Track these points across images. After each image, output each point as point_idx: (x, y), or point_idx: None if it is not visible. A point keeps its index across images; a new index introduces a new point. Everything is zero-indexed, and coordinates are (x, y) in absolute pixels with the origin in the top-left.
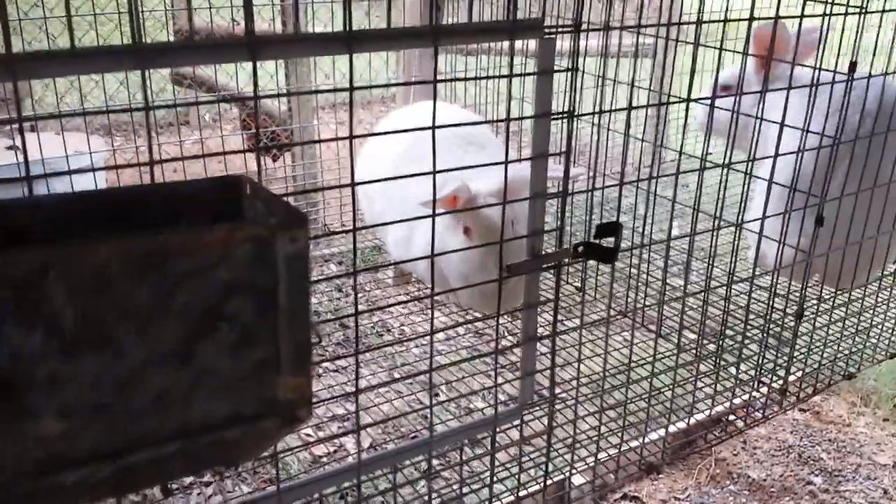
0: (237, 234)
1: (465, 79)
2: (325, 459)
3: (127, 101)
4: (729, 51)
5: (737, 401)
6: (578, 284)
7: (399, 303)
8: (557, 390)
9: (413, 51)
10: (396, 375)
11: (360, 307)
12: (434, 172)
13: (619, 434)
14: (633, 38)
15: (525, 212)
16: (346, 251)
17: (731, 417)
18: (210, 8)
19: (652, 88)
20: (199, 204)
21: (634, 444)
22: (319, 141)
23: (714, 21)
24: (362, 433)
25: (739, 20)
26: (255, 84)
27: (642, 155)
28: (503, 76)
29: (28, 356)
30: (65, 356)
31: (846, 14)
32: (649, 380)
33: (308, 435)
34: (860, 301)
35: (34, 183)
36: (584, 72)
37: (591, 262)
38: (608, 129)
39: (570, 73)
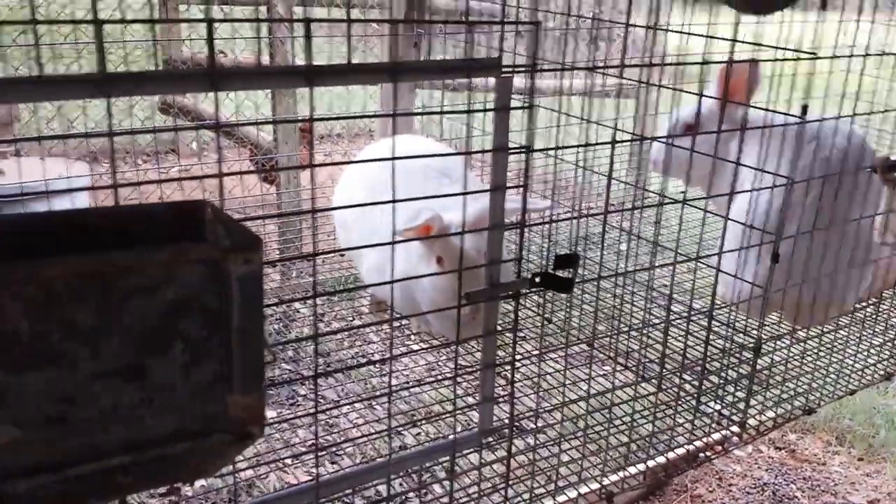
0: (186, 255)
1: (422, 112)
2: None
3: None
4: (686, 91)
5: (699, 433)
6: (548, 316)
7: (368, 324)
8: (524, 418)
9: (390, 87)
10: (374, 404)
11: (341, 336)
12: (394, 201)
13: (580, 463)
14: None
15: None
16: (329, 279)
17: (692, 448)
18: (191, 39)
19: (620, 128)
20: (161, 227)
21: (596, 472)
22: (292, 167)
23: (668, 64)
24: (339, 461)
25: (692, 63)
26: (217, 110)
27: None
28: (462, 111)
29: None
30: (16, 370)
31: (797, 59)
32: (608, 410)
33: (283, 461)
34: (818, 338)
35: (18, 206)
36: (561, 110)
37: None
38: (582, 167)
39: (529, 111)
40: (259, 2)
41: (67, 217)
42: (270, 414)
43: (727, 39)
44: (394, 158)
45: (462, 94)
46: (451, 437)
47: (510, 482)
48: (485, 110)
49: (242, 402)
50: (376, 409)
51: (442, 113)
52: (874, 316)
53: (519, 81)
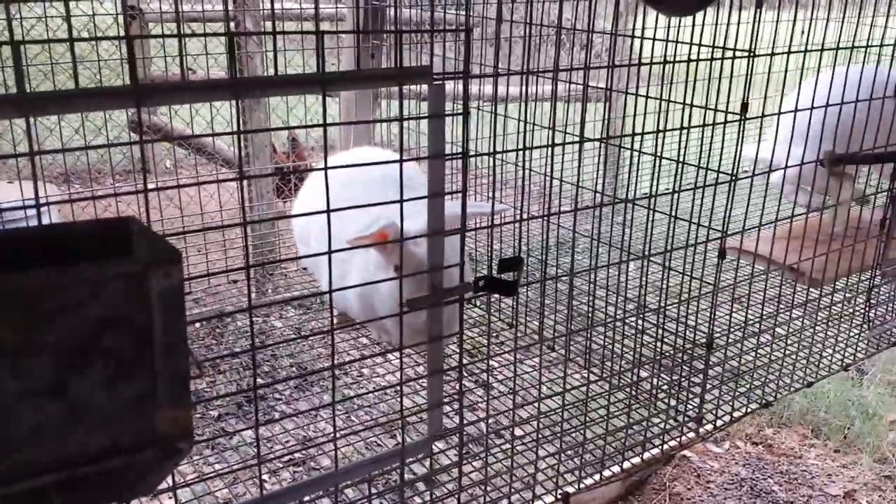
0: (106, 271)
1: (358, 122)
2: None
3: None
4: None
5: (655, 430)
6: (510, 321)
7: (304, 336)
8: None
9: (351, 99)
10: (353, 417)
11: (320, 350)
12: (328, 211)
13: (535, 464)
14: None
15: (453, 249)
16: (306, 293)
17: (650, 446)
18: (165, 56)
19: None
20: (91, 244)
21: (550, 472)
22: (216, 181)
23: (624, 65)
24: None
25: (627, 65)
26: (140, 128)
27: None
28: (394, 119)
29: None
30: None
31: (733, 58)
32: (560, 410)
33: (253, 477)
34: (771, 331)
35: None
36: (505, 116)
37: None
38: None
39: (463, 118)
40: (228, 19)
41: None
42: (248, 433)
43: (685, 43)
44: (325, 168)
45: (421, 102)
46: (398, 445)
47: (463, 488)
48: (418, 117)
49: (170, 417)
50: (353, 418)
51: (377, 121)
52: (828, 307)
53: (489, 89)
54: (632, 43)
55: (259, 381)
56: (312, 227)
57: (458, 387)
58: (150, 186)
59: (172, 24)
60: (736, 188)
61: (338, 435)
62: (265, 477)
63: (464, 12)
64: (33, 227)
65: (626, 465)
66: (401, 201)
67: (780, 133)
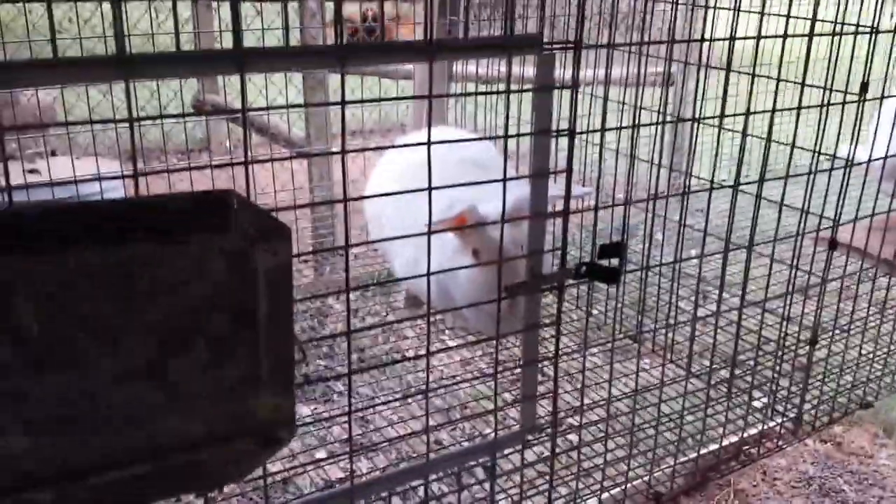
0: (212, 246)
1: (462, 94)
2: (339, 485)
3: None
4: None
5: (752, 430)
6: (588, 309)
7: (397, 321)
8: (567, 416)
9: (425, 79)
10: (410, 400)
11: (375, 332)
12: (430, 189)
13: (626, 462)
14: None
15: (533, 235)
16: (363, 274)
17: (745, 447)
18: (221, 31)
19: (662, 112)
20: (187, 218)
21: (642, 472)
22: (314, 154)
23: (718, 39)
24: (374, 458)
25: (745, 38)
26: (244, 96)
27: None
28: (501, 92)
29: None
30: (31, 371)
31: (856, 34)
32: (657, 406)
33: (320, 459)
34: (877, 328)
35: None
36: (592, 95)
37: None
38: (626, 154)
39: (571, 91)
40: None
41: (87, 208)
42: (305, 411)
43: (782, 15)
44: (429, 143)
45: (493, 85)
46: (492, 435)
47: (554, 483)
48: (524, 90)
49: (271, 404)
50: (411, 405)
51: (482, 93)
52: None
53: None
54: (735, 18)
55: (337, 367)
56: (386, 209)
57: (553, 377)
58: (207, 165)
59: None
60: (832, 178)
61: (430, 423)
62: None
63: None
64: (128, 199)
65: (713, 459)
66: (504, 180)
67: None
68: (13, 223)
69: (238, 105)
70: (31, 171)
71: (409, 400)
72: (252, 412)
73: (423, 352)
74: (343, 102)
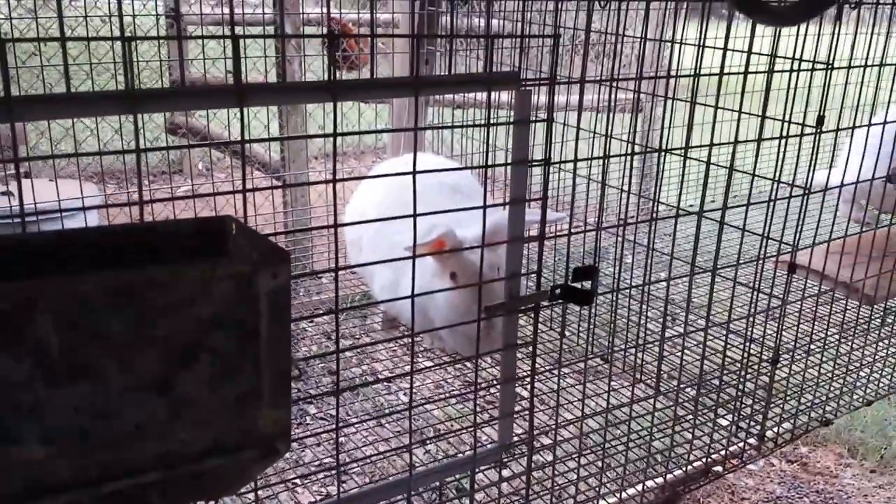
0: (218, 270)
1: (446, 126)
2: None
3: (121, 148)
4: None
5: (718, 447)
6: (563, 331)
7: (381, 340)
8: (540, 433)
9: (403, 105)
10: (383, 422)
11: (350, 354)
12: (415, 216)
13: (599, 477)
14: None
15: (509, 259)
16: (341, 296)
17: (712, 465)
18: (204, 59)
19: (631, 141)
20: (185, 242)
21: (614, 487)
22: (307, 183)
23: (684, 76)
24: (346, 482)
25: (709, 75)
26: (243, 127)
27: (628, 205)
28: (482, 125)
29: (14, 384)
30: (49, 384)
31: (812, 70)
32: (628, 423)
33: (293, 481)
34: (835, 348)
35: (28, 227)
36: (565, 124)
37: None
38: (597, 181)
39: (546, 124)
40: (266, 22)
41: (93, 233)
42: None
43: (743, 52)
44: (414, 173)
45: (468, 110)
46: (470, 452)
47: (529, 499)
48: (504, 123)
49: (272, 416)
50: (383, 428)
51: (467, 126)
52: (891, 326)
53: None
54: (700, 54)
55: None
56: (366, 233)
57: (529, 396)
58: (182, 188)
59: (212, 27)
60: (791, 204)
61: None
62: (297, 481)
63: (518, 20)
64: (130, 224)
65: (681, 475)
66: (483, 207)
67: (852, 150)
68: (37, 248)
69: (213, 127)
70: (3, 194)
71: (383, 421)
72: (254, 424)
73: (396, 374)
74: (335, 134)
